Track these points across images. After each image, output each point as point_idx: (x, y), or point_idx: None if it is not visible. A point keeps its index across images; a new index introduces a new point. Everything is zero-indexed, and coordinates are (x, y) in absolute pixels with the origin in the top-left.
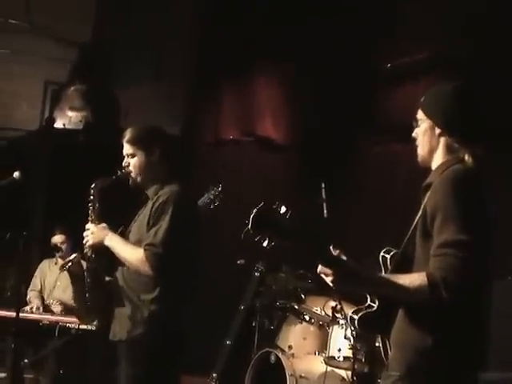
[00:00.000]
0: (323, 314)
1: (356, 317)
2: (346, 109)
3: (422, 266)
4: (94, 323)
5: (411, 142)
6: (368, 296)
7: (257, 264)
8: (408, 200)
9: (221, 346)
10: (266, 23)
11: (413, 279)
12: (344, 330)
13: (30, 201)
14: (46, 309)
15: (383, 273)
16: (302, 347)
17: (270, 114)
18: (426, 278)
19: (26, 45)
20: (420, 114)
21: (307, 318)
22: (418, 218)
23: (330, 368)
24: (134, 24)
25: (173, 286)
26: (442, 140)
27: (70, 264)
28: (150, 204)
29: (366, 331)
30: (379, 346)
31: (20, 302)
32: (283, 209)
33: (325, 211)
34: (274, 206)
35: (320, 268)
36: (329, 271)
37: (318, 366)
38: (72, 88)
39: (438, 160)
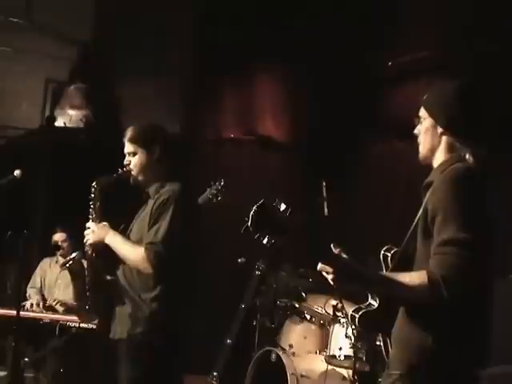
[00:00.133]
0: (324, 312)
1: (357, 315)
2: (347, 107)
3: (423, 264)
4: (95, 322)
5: (413, 141)
6: (369, 294)
7: (257, 262)
8: (410, 198)
9: (221, 344)
10: (267, 22)
11: (413, 277)
12: (345, 328)
13: (30, 199)
14: (47, 308)
15: (384, 271)
16: (302, 346)
17: (270, 112)
18: (426, 277)
19: (27, 43)
20: (422, 112)
21: (308, 316)
22: (418, 216)
23: (330, 367)
24: (135, 22)
25: (173, 285)
26: (444, 139)
27: (70, 262)
28: (150, 203)
29: (367, 330)
30: (380, 345)
31: (20, 301)
32: (283, 206)
33: (325, 210)
34: (274, 204)
35: (320, 266)
36: (329, 269)
37: (318, 364)
38: (73, 86)
39: (439, 158)
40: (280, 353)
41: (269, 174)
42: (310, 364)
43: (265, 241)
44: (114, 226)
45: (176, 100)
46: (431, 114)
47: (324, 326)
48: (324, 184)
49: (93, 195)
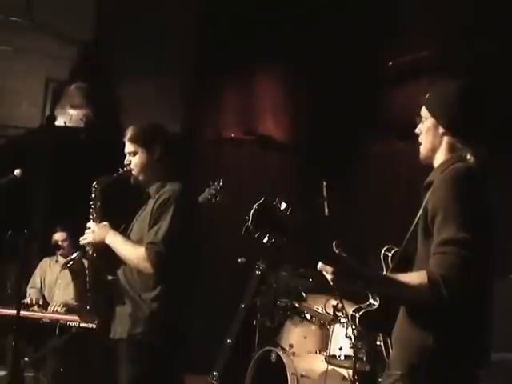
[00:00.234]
0: (324, 312)
1: (357, 315)
2: (347, 107)
3: (423, 263)
4: (95, 322)
5: (413, 141)
6: (369, 294)
7: (257, 262)
8: (410, 198)
9: (222, 344)
10: (267, 22)
11: (413, 278)
12: (345, 328)
13: (30, 198)
14: (47, 307)
15: (384, 271)
16: (302, 346)
17: (270, 112)
18: (425, 277)
19: (27, 42)
20: (424, 112)
21: (308, 316)
22: (418, 216)
23: (331, 367)
24: (135, 22)
25: (174, 285)
26: (445, 139)
27: (71, 263)
28: (151, 202)
29: (367, 329)
30: (380, 345)
31: (20, 300)
32: (283, 205)
33: (326, 209)
34: (274, 203)
35: (320, 265)
36: (329, 269)
37: (319, 364)
38: (73, 86)
39: (439, 158)
40: (280, 353)
41: (269, 174)
42: (310, 364)
43: (265, 240)
44: (115, 226)
45: (176, 100)
46: (433, 114)
47: (324, 325)
48: (324, 184)
49: (93, 195)
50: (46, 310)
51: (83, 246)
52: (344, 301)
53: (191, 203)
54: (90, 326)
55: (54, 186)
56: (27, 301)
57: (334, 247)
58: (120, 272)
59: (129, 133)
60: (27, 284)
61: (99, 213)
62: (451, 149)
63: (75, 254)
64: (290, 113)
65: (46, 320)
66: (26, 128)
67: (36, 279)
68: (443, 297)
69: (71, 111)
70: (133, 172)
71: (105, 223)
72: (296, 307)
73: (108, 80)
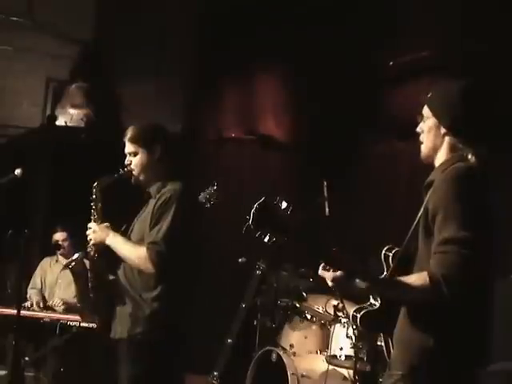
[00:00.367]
0: (325, 312)
1: (358, 315)
2: (348, 107)
3: (425, 263)
4: (96, 321)
5: (413, 141)
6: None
7: (258, 262)
8: (410, 198)
9: (222, 344)
10: (267, 21)
11: (415, 279)
12: (346, 328)
13: (31, 198)
14: (48, 307)
15: (385, 271)
16: (303, 346)
17: (271, 112)
18: (427, 277)
19: (28, 42)
20: (426, 111)
21: (309, 316)
22: (419, 215)
23: (331, 367)
24: (136, 22)
25: (174, 285)
26: (447, 139)
27: (73, 263)
28: (152, 202)
29: (368, 330)
30: (381, 345)
31: (20, 300)
32: (284, 204)
33: (326, 209)
34: (275, 202)
35: (321, 271)
36: (329, 275)
37: (319, 364)
38: (74, 85)
39: (441, 158)
40: (281, 353)
41: (270, 174)
42: (310, 364)
43: (266, 239)
44: (116, 226)
45: (177, 100)
46: (435, 114)
47: (325, 325)
48: (325, 184)
49: (94, 196)
50: (47, 309)
51: (84, 247)
52: (345, 301)
53: (192, 203)
54: (91, 325)
55: (55, 186)
56: (28, 304)
57: (336, 250)
58: (120, 272)
59: (129, 133)
60: (27, 284)
61: (100, 213)
62: (452, 148)
63: (76, 255)
64: (291, 113)
65: (47, 319)
66: (27, 128)
67: (36, 279)
68: (444, 296)
69: (72, 111)
70: (133, 172)
71: (106, 224)
72: (297, 307)
73: (108, 80)
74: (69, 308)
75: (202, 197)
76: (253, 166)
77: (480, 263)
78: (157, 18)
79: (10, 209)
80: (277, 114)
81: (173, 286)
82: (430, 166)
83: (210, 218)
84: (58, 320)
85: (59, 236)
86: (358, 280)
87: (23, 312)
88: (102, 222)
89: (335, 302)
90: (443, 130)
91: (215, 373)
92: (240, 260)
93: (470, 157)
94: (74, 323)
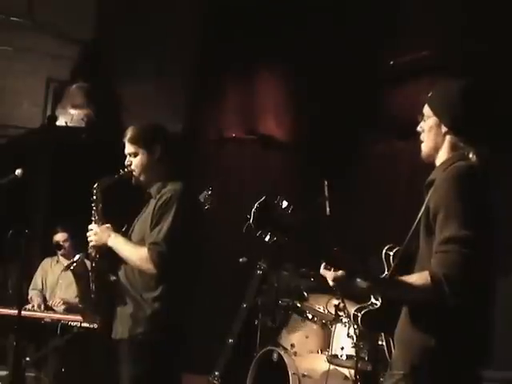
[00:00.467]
0: (326, 312)
1: (359, 314)
2: (348, 107)
3: (426, 262)
4: (97, 322)
5: (413, 140)
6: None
7: (259, 262)
8: (410, 197)
9: (223, 344)
10: (268, 21)
11: (416, 278)
12: (347, 328)
13: (31, 198)
14: (49, 308)
15: (386, 270)
16: (304, 345)
17: (272, 112)
18: (428, 277)
19: (28, 42)
20: (426, 110)
21: (310, 316)
22: (420, 214)
23: (332, 366)
24: (137, 21)
25: (175, 285)
26: (448, 138)
27: (74, 265)
28: (152, 202)
29: (369, 329)
30: (382, 345)
31: (21, 300)
32: (285, 203)
33: (327, 209)
34: (276, 201)
35: (322, 270)
36: (330, 275)
37: (320, 364)
38: (74, 86)
39: (441, 157)
40: (282, 352)
41: (270, 174)
42: (311, 364)
43: (266, 238)
44: (117, 227)
45: (177, 99)
46: (436, 113)
47: (326, 325)
48: (326, 183)
49: (94, 197)
50: (48, 310)
51: (85, 247)
52: (346, 300)
53: (193, 203)
54: (92, 325)
55: (55, 186)
56: (29, 307)
57: (336, 251)
58: (121, 272)
59: (128, 133)
60: (28, 284)
61: (101, 214)
62: (453, 147)
63: (77, 257)
64: (292, 113)
65: (48, 320)
66: (27, 128)
67: (37, 280)
68: (446, 295)
69: (72, 111)
70: (134, 173)
71: (107, 225)
72: (298, 307)
73: (109, 80)
74: (70, 308)
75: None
76: (253, 165)
77: (481, 262)
78: (157, 18)
79: (10, 209)
80: (277, 113)
81: (174, 286)
82: (430, 166)
83: (211, 218)
84: (59, 320)
85: (60, 237)
86: (359, 280)
87: (24, 312)
88: (103, 223)
89: (336, 302)
90: (444, 129)
91: (216, 373)
92: (241, 260)
93: (471, 155)
94: (74, 323)
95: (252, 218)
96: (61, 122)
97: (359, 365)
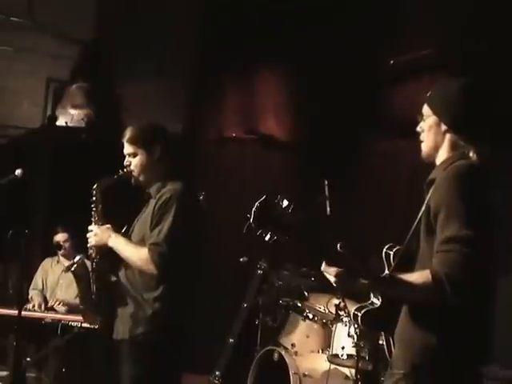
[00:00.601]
0: (326, 311)
1: (359, 314)
2: (349, 107)
3: (426, 261)
4: (98, 322)
5: (414, 139)
6: (371, 293)
7: (259, 262)
8: (411, 197)
9: (224, 344)
10: (268, 21)
11: (417, 277)
12: (347, 327)
13: (31, 199)
14: (49, 308)
15: (386, 269)
16: (305, 345)
17: (272, 111)
18: (429, 276)
19: (28, 42)
20: (426, 110)
21: (310, 315)
22: (421, 213)
23: (333, 366)
24: (136, 21)
25: (176, 285)
26: (448, 136)
27: (74, 266)
28: (152, 202)
29: (369, 328)
30: (383, 344)
31: (22, 300)
32: (285, 203)
33: (328, 209)
34: (276, 200)
35: (324, 267)
36: (332, 271)
37: (321, 363)
38: (74, 86)
39: (442, 156)
40: (282, 352)
41: (270, 174)
42: (312, 363)
43: (267, 237)
44: (117, 227)
45: (177, 99)
46: (435, 112)
47: (326, 325)
48: (326, 183)
49: (94, 198)
50: (48, 310)
51: (85, 247)
52: (346, 300)
53: (193, 202)
54: (92, 326)
55: (55, 186)
56: (29, 306)
57: (338, 248)
58: (122, 273)
59: (127, 134)
60: (29, 284)
61: (101, 215)
62: (453, 146)
63: (77, 258)
64: (292, 112)
65: (48, 320)
66: (27, 128)
67: (38, 280)
68: (447, 295)
69: (72, 111)
70: (133, 173)
71: (107, 226)
72: (298, 306)
73: (109, 80)
74: (70, 309)
75: None
76: (253, 165)
77: (482, 261)
78: (157, 18)
79: (10, 209)
80: (277, 113)
81: (174, 286)
82: (430, 165)
83: (211, 218)
84: (60, 320)
85: (60, 237)
86: (359, 272)
87: (24, 312)
88: (103, 224)
89: (337, 301)
90: (444, 128)
91: (217, 372)
92: (241, 259)
93: (471, 154)
94: (75, 324)
95: (252, 217)
96: (61, 122)
97: (360, 364)
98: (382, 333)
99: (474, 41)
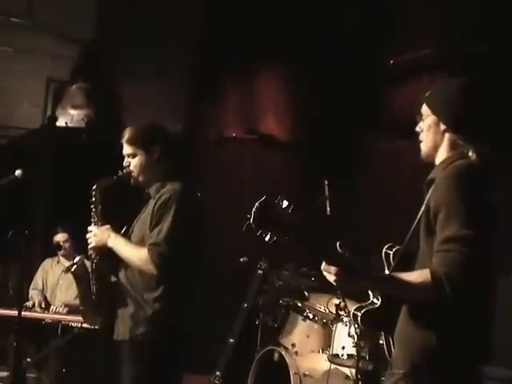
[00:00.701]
0: (327, 311)
1: (359, 314)
2: (349, 107)
3: (426, 261)
4: (98, 323)
5: (414, 139)
6: (370, 293)
7: (260, 262)
8: (412, 196)
9: (224, 344)
10: (268, 21)
11: (416, 276)
12: (348, 327)
13: (31, 199)
14: (49, 307)
15: (386, 269)
16: (305, 345)
17: (272, 111)
18: (429, 275)
19: (28, 43)
20: (425, 109)
21: (311, 315)
22: (420, 213)
23: (333, 366)
24: (136, 21)
25: (176, 285)
26: (447, 136)
27: (74, 267)
28: (151, 203)
29: (369, 328)
30: (383, 344)
31: (22, 301)
32: (285, 203)
33: (328, 209)
34: (276, 201)
35: (324, 266)
36: (333, 270)
37: (321, 363)
38: (74, 86)
39: (441, 155)
40: (283, 352)
41: (270, 174)
42: (312, 363)
43: (267, 238)
44: (117, 228)
45: (177, 99)
46: (434, 112)
47: (327, 324)
48: (326, 183)
49: (93, 198)
50: (49, 311)
51: (85, 248)
52: (346, 299)
53: (193, 202)
54: (92, 326)
55: (55, 187)
56: (29, 304)
57: (337, 248)
58: (122, 273)
59: (126, 134)
60: (29, 285)
61: (100, 216)
62: (453, 146)
63: (77, 259)
64: (292, 112)
65: (48, 320)
66: (27, 128)
67: (38, 280)
68: (447, 294)
69: (72, 111)
70: (133, 174)
71: (107, 226)
72: (298, 306)
73: (109, 80)
74: (70, 309)
75: None
76: (254, 165)
77: (482, 261)
78: (157, 18)
79: (10, 209)
80: (277, 113)
81: (174, 286)
82: (430, 165)
83: (211, 218)
84: (60, 321)
85: (60, 237)
86: (360, 271)
87: (25, 313)
88: (103, 225)
89: (337, 301)
90: (443, 127)
91: (217, 372)
92: (242, 260)
93: (470, 154)
94: (75, 324)
95: (252, 217)
96: (61, 122)
97: (360, 364)
98: (382, 333)
99: (473, 41)
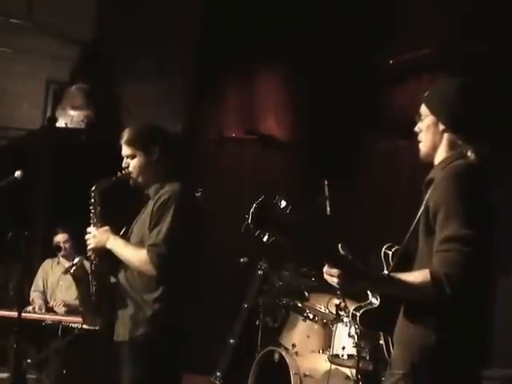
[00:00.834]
0: (327, 311)
1: (358, 314)
2: (348, 107)
3: (425, 261)
4: (97, 324)
5: (414, 139)
6: (369, 293)
7: (260, 262)
8: (411, 196)
9: (224, 344)
10: (268, 21)
11: (416, 276)
12: (348, 327)
13: (31, 200)
14: (50, 309)
15: (385, 269)
16: (305, 345)
17: (272, 111)
18: (429, 275)
19: (28, 43)
20: (423, 109)
21: (311, 316)
22: (420, 213)
23: (334, 366)
24: (136, 22)
25: (176, 286)
26: (446, 136)
27: (73, 268)
28: (151, 204)
29: (368, 328)
30: (382, 344)
31: (22, 302)
32: (283, 203)
33: (328, 209)
34: (274, 201)
35: (326, 269)
36: (335, 272)
37: (322, 364)
38: (74, 87)
39: (440, 155)
40: (283, 352)
41: (270, 174)
42: (313, 363)
43: (265, 238)
44: (116, 229)
45: (177, 99)
46: (433, 112)
47: (327, 325)
48: (326, 183)
49: (92, 200)
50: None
51: (85, 249)
52: (347, 300)
53: (192, 203)
54: (92, 327)
55: (55, 188)
56: (30, 308)
57: (340, 249)
58: (121, 274)
59: (125, 135)
60: (29, 286)
61: (99, 217)
62: (452, 146)
63: (76, 260)
64: (292, 112)
65: (49, 321)
66: (27, 129)
67: (39, 282)
68: (447, 294)
69: (72, 112)
70: (132, 175)
71: (106, 228)
72: (299, 306)
73: (108, 80)
74: (70, 310)
75: None
76: (253, 165)
77: (482, 261)
78: (157, 18)
79: (10, 210)
80: (277, 113)
81: (174, 287)
82: (430, 165)
83: (211, 218)
84: (60, 322)
85: (60, 238)
86: (360, 272)
87: (25, 314)
88: (102, 226)
89: (337, 301)
90: (442, 127)
91: (217, 373)
92: (242, 260)
93: (469, 154)
94: (75, 325)
95: (250, 217)
96: (61, 123)
97: (360, 364)
98: (381, 333)
99: (473, 41)
